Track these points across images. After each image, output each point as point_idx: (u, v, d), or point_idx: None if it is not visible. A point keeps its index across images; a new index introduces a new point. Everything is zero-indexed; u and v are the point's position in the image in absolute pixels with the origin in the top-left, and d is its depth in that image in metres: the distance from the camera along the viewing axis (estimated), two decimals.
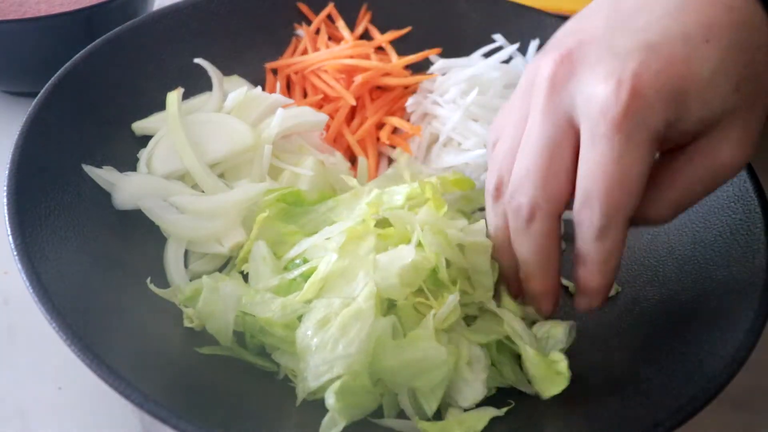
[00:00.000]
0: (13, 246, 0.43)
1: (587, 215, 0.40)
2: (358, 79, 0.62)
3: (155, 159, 0.54)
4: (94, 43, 0.57)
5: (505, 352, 0.46)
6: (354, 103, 0.61)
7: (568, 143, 0.40)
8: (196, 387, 0.43)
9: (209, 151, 0.54)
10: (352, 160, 0.60)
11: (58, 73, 0.54)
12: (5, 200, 0.45)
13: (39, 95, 0.52)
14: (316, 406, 0.44)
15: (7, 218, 0.44)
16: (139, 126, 0.57)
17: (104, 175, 0.52)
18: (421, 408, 0.43)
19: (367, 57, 0.64)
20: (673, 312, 0.48)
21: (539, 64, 0.41)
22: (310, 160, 0.55)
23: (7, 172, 0.47)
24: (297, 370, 0.43)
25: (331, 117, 0.62)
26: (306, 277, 0.45)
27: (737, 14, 0.38)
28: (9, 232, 0.44)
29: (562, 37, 0.42)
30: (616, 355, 0.47)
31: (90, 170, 0.52)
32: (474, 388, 0.43)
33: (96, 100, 0.55)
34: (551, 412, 0.44)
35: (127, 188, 0.52)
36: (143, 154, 0.55)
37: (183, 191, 0.53)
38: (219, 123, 0.56)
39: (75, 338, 0.39)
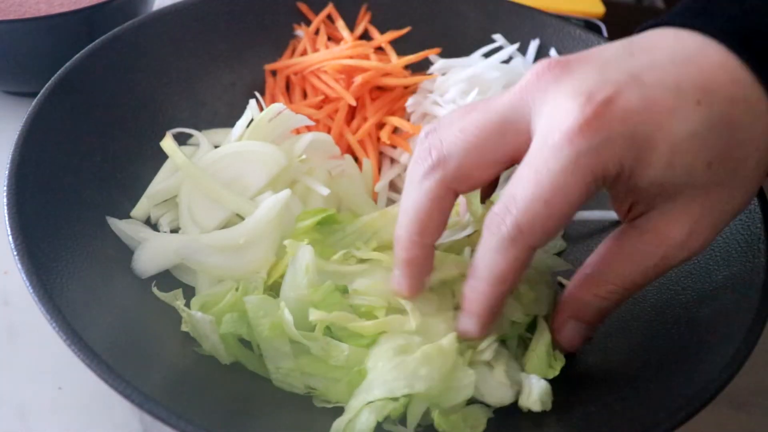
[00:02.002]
0: (13, 246, 0.43)
1: (499, 221, 0.36)
2: (358, 79, 0.62)
3: (199, 217, 0.51)
4: (94, 43, 0.57)
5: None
6: (354, 103, 0.61)
7: (514, 139, 0.37)
8: (196, 387, 0.43)
9: (250, 184, 0.52)
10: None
11: (58, 73, 0.54)
12: (5, 200, 0.45)
13: (39, 95, 0.52)
14: (315, 407, 0.44)
15: (7, 218, 0.44)
16: (151, 195, 0.53)
17: (127, 230, 0.50)
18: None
19: (366, 57, 0.64)
20: (673, 312, 0.48)
21: (536, 64, 0.39)
22: (321, 173, 0.54)
23: (7, 172, 0.47)
24: (326, 390, 0.44)
25: (331, 118, 0.62)
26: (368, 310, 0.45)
27: (738, 88, 0.36)
28: (9, 232, 0.44)
29: (574, 55, 0.40)
30: (615, 356, 0.47)
31: (112, 222, 0.50)
32: (504, 391, 0.44)
33: (96, 100, 0.55)
34: (551, 412, 0.44)
35: (149, 252, 0.49)
36: (182, 217, 0.52)
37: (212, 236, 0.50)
38: (246, 152, 0.53)
39: (75, 338, 0.39)
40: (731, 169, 0.36)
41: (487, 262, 0.38)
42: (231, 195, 0.51)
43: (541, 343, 0.45)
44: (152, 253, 0.49)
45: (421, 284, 0.42)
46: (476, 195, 0.47)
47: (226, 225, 0.52)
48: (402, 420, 0.43)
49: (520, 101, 0.37)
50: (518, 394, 0.44)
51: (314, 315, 0.44)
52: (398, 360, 0.42)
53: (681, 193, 0.37)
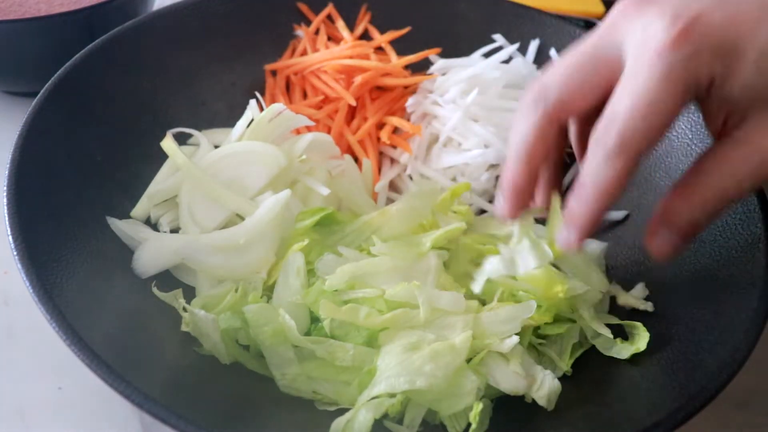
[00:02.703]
0: (13, 246, 0.43)
1: (604, 136, 0.39)
2: (358, 79, 0.62)
3: (199, 217, 0.51)
4: (94, 43, 0.57)
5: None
6: (354, 103, 0.61)
7: (606, 68, 0.40)
8: (196, 387, 0.43)
9: (250, 185, 0.52)
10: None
11: (58, 73, 0.54)
12: (5, 200, 0.45)
13: (39, 95, 0.52)
14: (315, 407, 0.44)
15: (7, 218, 0.44)
16: (151, 195, 0.53)
17: (128, 230, 0.50)
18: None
19: (366, 57, 0.64)
20: (674, 312, 0.48)
21: (621, 2, 0.41)
22: (321, 173, 0.54)
23: (7, 172, 0.47)
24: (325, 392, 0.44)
25: (331, 118, 0.62)
26: (370, 302, 0.45)
27: None
28: (9, 232, 0.44)
29: None
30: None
31: (112, 222, 0.50)
32: (518, 380, 0.44)
33: (96, 100, 0.55)
34: (551, 412, 0.44)
35: (149, 252, 0.49)
36: (183, 217, 0.52)
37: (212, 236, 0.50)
38: (246, 152, 0.53)
39: (75, 338, 0.39)
40: None
41: (595, 174, 0.39)
42: (231, 195, 0.51)
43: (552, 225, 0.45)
44: (152, 253, 0.49)
45: (520, 208, 0.44)
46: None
47: (226, 225, 0.52)
48: (401, 420, 0.43)
49: (608, 35, 0.40)
50: (530, 386, 0.44)
51: (324, 309, 0.44)
52: (405, 356, 0.42)
53: None
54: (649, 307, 0.49)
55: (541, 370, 0.44)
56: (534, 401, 0.44)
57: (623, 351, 0.45)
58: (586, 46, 0.41)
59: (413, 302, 0.44)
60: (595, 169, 0.39)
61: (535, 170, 0.43)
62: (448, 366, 0.41)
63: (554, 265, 0.49)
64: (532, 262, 0.44)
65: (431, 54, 0.66)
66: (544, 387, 0.43)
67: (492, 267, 0.45)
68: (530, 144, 0.42)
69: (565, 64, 0.41)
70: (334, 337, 0.44)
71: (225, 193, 0.51)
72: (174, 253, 0.49)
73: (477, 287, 0.45)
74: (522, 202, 0.44)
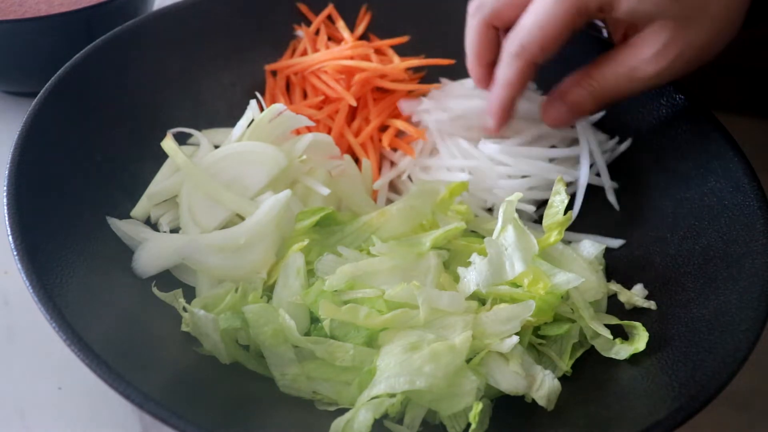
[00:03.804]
0: (13, 246, 0.43)
1: (510, 43, 0.51)
2: (356, 79, 0.62)
3: (200, 217, 0.51)
4: (94, 43, 0.57)
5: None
6: (354, 104, 0.61)
7: None
8: (196, 387, 0.43)
9: (250, 185, 0.52)
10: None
11: (58, 73, 0.54)
12: (5, 200, 0.45)
13: (39, 95, 0.52)
14: (315, 407, 0.44)
15: (7, 218, 0.44)
16: (151, 195, 0.53)
17: (128, 230, 0.50)
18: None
19: (367, 58, 0.64)
20: (673, 312, 0.48)
21: None
22: (321, 173, 0.54)
23: (7, 172, 0.47)
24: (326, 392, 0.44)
25: (331, 118, 0.62)
26: (370, 302, 0.45)
27: None
28: (9, 232, 0.44)
29: None
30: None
31: (112, 222, 0.50)
32: (518, 380, 0.44)
33: (96, 100, 0.55)
34: (551, 412, 0.44)
35: (149, 252, 0.49)
36: (183, 217, 0.52)
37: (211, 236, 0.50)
38: (246, 152, 0.53)
39: (75, 338, 0.39)
40: (698, 6, 0.47)
41: (502, 72, 0.53)
42: (232, 195, 0.51)
43: None
44: (152, 253, 0.49)
45: (486, 83, 0.57)
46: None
47: (226, 225, 0.52)
48: (401, 420, 0.43)
49: None
50: (530, 386, 0.44)
51: (324, 309, 0.44)
52: (405, 357, 0.42)
53: (655, 20, 0.48)
54: (652, 305, 0.49)
55: (540, 370, 0.44)
56: (534, 401, 0.44)
57: (622, 351, 0.46)
58: None
59: (413, 302, 0.44)
60: (502, 68, 0.53)
61: (485, 62, 0.56)
62: (448, 366, 0.41)
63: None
64: (519, 265, 0.45)
65: (438, 63, 0.65)
66: (544, 387, 0.43)
67: (477, 276, 0.46)
68: (477, 44, 0.55)
69: None
70: (334, 338, 0.44)
71: (225, 193, 0.51)
72: (174, 253, 0.49)
73: (467, 292, 0.46)
74: (485, 83, 0.57)
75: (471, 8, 0.55)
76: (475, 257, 0.47)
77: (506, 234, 0.46)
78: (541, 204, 0.59)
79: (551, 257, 0.49)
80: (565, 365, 0.46)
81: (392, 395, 0.41)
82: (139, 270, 0.49)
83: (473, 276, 0.46)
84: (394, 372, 0.41)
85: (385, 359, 0.42)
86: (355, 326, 0.44)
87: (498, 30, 0.55)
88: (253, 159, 0.53)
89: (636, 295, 0.50)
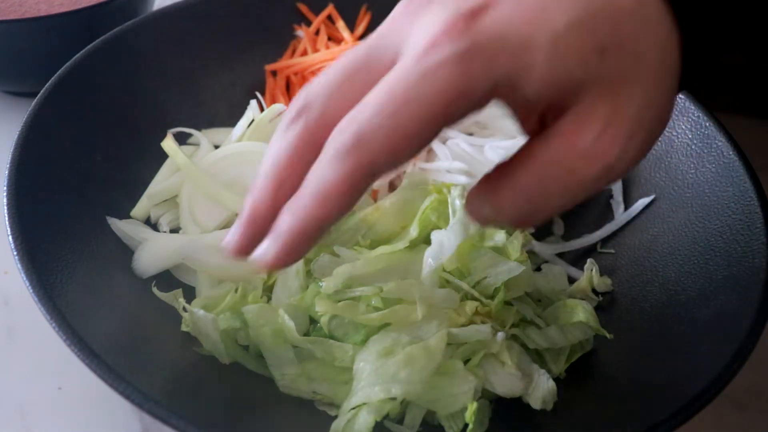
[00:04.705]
0: (13, 246, 0.43)
1: (340, 132, 0.31)
2: None
3: (200, 217, 0.51)
4: (94, 43, 0.57)
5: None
6: None
7: (379, 70, 0.32)
8: (196, 387, 0.43)
9: (250, 185, 0.52)
10: None
11: (58, 73, 0.54)
12: (5, 200, 0.45)
13: (39, 95, 0.52)
14: (315, 407, 0.44)
15: (7, 218, 0.44)
16: (151, 195, 0.53)
17: (128, 230, 0.50)
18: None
19: None
20: (673, 312, 0.48)
21: None
22: None
23: (7, 172, 0.47)
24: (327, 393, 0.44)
25: None
26: (367, 300, 0.45)
27: None
28: (9, 232, 0.44)
29: None
30: (615, 355, 0.47)
31: (112, 222, 0.50)
32: (514, 382, 0.43)
33: (96, 100, 0.55)
34: (551, 412, 0.44)
35: (149, 252, 0.49)
36: (183, 217, 0.51)
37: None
38: (246, 152, 0.53)
39: (75, 338, 0.39)
40: (632, 59, 0.31)
41: (317, 173, 0.31)
42: (232, 195, 0.51)
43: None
44: (152, 253, 0.49)
45: (254, 243, 0.34)
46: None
47: (226, 225, 0.52)
48: (400, 420, 0.43)
49: (387, 31, 0.33)
50: (527, 387, 0.44)
51: (321, 306, 0.44)
52: (380, 363, 0.41)
53: (585, 91, 0.31)
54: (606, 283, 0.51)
55: (536, 370, 0.44)
56: None
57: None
58: (360, 48, 0.34)
59: (410, 298, 0.44)
60: (317, 170, 0.31)
61: (284, 196, 0.33)
62: (423, 370, 0.41)
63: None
64: (455, 239, 0.43)
65: None
66: (539, 389, 0.43)
67: (429, 259, 0.45)
68: (284, 163, 0.33)
69: (335, 70, 0.33)
70: (333, 338, 0.44)
71: (225, 193, 0.51)
72: (174, 253, 0.49)
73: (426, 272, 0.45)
74: (258, 235, 0.33)
75: (289, 113, 0.33)
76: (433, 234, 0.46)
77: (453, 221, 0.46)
78: None
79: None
80: (559, 369, 0.46)
81: (392, 398, 0.41)
82: (139, 270, 0.49)
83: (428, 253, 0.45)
84: (370, 381, 0.41)
85: (360, 365, 0.42)
86: (354, 326, 0.44)
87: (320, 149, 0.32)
88: (254, 159, 0.53)
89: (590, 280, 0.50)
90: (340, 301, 0.45)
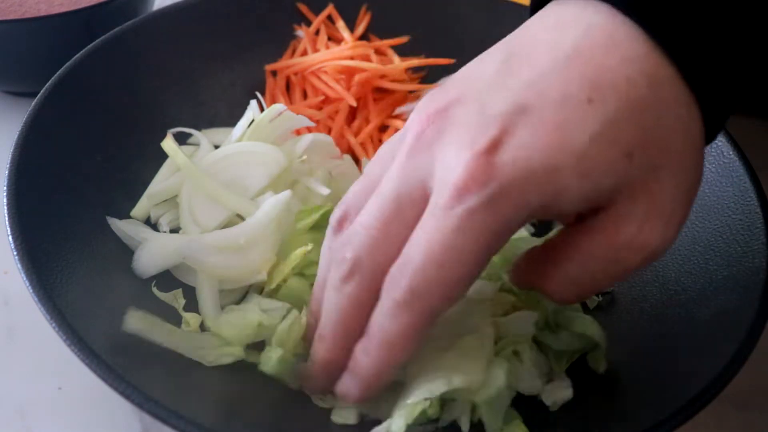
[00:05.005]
0: (13, 246, 0.43)
1: (393, 283, 0.34)
2: (356, 79, 0.62)
3: (200, 217, 0.51)
4: (94, 43, 0.57)
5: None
6: (354, 104, 0.61)
7: (414, 211, 0.34)
8: (196, 387, 0.43)
9: (250, 185, 0.52)
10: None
11: (58, 73, 0.54)
12: (5, 200, 0.45)
13: (39, 95, 0.52)
14: (314, 406, 0.44)
15: (7, 218, 0.44)
16: (151, 195, 0.53)
17: (128, 230, 0.49)
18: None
19: (367, 58, 0.64)
20: (673, 312, 0.48)
21: (416, 113, 0.35)
22: (321, 173, 0.54)
23: (7, 172, 0.47)
24: None
25: (332, 118, 0.62)
26: None
27: (636, 66, 0.32)
28: (9, 232, 0.44)
29: (453, 82, 0.36)
30: (615, 356, 0.47)
31: (112, 222, 0.50)
32: (534, 380, 0.43)
33: (96, 100, 0.55)
34: (551, 412, 0.44)
35: (149, 252, 0.49)
36: (183, 217, 0.51)
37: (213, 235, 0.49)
38: (246, 153, 0.53)
39: (75, 338, 0.39)
40: (660, 151, 0.33)
41: (381, 325, 0.35)
42: (232, 195, 0.51)
43: None
44: (152, 253, 0.49)
45: (328, 387, 0.40)
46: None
47: (226, 225, 0.52)
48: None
49: (410, 171, 0.34)
50: (545, 386, 0.44)
51: None
52: (436, 356, 0.41)
53: (620, 194, 0.33)
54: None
55: (558, 374, 0.44)
56: (533, 400, 0.44)
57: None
58: (388, 189, 0.35)
59: None
60: (380, 319, 0.35)
61: (352, 343, 0.37)
62: (480, 360, 0.40)
63: None
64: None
65: (439, 63, 0.65)
66: (557, 390, 0.43)
67: None
68: (349, 320, 0.37)
69: (370, 219, 0.35)
70: None
71: (225, 193, 0.51)
72: (174, 253, 0.49)
73: None
74: (333, 377, 0.39)
75: (337, 266, 0.36)
76: None
77: None
78: None
79: None
80: (560, 368, 0.46)
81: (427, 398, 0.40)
82: (139, 270, 0.49)
83: None
84: (429, 375, 0.40)
85: (415, 362, 0.41)
86: None
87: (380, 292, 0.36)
88: (254, 159, 0.53)
89: None
90: None
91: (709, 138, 0.35)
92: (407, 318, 0.34)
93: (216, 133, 0.60)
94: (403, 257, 0.34)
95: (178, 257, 0.49)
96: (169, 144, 0.52)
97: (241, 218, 0.51)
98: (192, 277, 0.50)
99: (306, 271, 0.48)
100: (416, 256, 0.33)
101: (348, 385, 0.38)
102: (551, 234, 0.48)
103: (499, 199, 0.31)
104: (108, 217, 0.50)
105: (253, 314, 0.46)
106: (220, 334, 0.46)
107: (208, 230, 0.51)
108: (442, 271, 0.32)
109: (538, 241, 0.48)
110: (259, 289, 0.50)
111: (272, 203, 0.50)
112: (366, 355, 0.36)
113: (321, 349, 0.38)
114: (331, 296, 0.37)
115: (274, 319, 0.45)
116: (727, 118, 0.36)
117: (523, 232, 0.48)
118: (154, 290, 0.47)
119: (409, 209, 0.34)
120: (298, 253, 0.48)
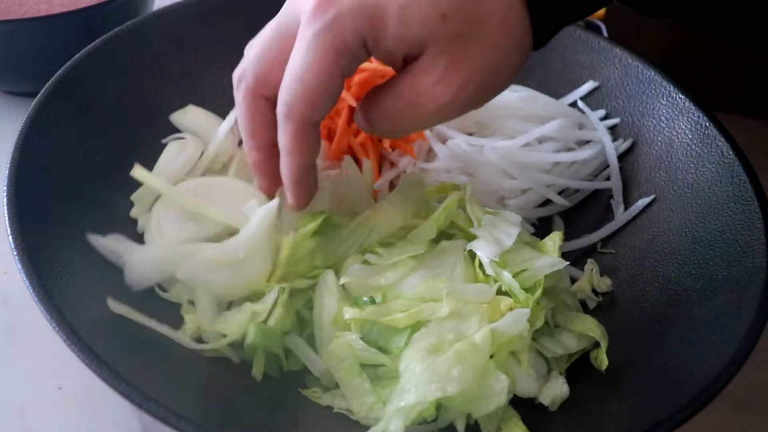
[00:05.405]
0: (13, 246, 0.43)
1: (278, 104, 0.43)
2: (356, 80, 0.62)
3: (166, 229, 0.51)
4: (94, 43, 0.57)
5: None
6: (354, 104, 0.61)
7: (291, 39, 0.42)
8: (196, 387, 0.43)
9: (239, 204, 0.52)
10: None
11: (58, 73, 0.54)
12: (5, 200, 0.45)
13: (39, 95, 0.52)
14: (315, 405, 0.44)
15: (7, 218, 0.44)
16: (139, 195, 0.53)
17: (112, 246, 0.48)
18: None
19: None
20: (673, 312, 0.48)
21: None
22: (321, 174, 0.54)
23: (7, 172, 0.47)
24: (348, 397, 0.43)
25: (332, 118, 0.62)
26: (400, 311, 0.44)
27: None
28: (9, 232, 0.44)
29: None
30: (615, 355, 0.47)
31: (95, 240, 0.48)
32: (531, 383, 0.44)
33: (96, 100, 0.55)
34: (550, 412, 0.44)
35: (139, 264, 0.48)
36: (149, 228, 0.51)
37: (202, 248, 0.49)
38: (218, 185, 0.54)
39: (75, 338, 0.39)
40: (472, 24, 0.39)
41: (279, 140, 0.44)
42: (217, 207, 0.50)
43: None
44: (140, 267, 0.48)
45: (274, 183, 0.49)
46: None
47: (194, 239, 0.51)
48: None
49: (291, 7, 0.43)
50: (542, 387, 0.44)
51: (348, 314, 0.44)
52: (430, 361, 0.41)
53: (428, 46, 0.40)
54: (605, 284, 0.52)
55: (554, 375, 0.44)
56: (533, 401, 0.44)
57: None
58: (274, 20, 0.44)
59: (438, 297, 0.44)
60: (279, 135, 0.44)
61: (265, 143, 0.47)
62: (475, 367, 0.41)
63: None
64: (513, 231, 0.46)
65: None
66: (553, 389, 0.44)
67: (484, 252, 0.46)
68: (248, 122, 0.46)
69: (258, 41, 0.45)
70: (381, 350, 0.44)
71: (210, 206, 0.50)
72: (163, 266, 0.48)
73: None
74: (272, 176, 0.48)
75: (234, 80, 0.47)
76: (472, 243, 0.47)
77: (484, 218, 0.48)
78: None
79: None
80: (560, 368, 0.46)
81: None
82: (132, 284, 0.48)
83: (483, 250, 0.46)
84: (423, 379, 0.40)
85: (409, 364, 0.41)
86: (395, 330, 0.44)
87: (271, 101, 0.45)
88: (226, 191, 0.53)
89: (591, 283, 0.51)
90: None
91: (537, 42, 0.42)
92: (291, 126, 0.43)
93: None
94: (283, 80, 0.42)
95: (167, 271, 0.48)
96: (139, 172, 0.51)
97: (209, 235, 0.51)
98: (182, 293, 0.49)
99: (309, 273, 0.48)
100: (286, 75, 0.42)
101: (288, 198, 0.47)
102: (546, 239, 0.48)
103: (337, 22, 0.39)
104: (90, 235, 0.48)
105: (246, 310, 0.46)
106: (218, 332, 0.46)
107: (171, 243, 0.50)
108: (302, 84, 0.41)
109: (538, 245, 0.48)
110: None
111: (263, 213, 0.49)
112: (282, 164, 0.45)
113: (247, 154, 0.48)
114: (236, 107, 0.47)
115: (267, 305, 0.46)
116: (560, 25, 0.42)
117: (524, 233, 0.48)
118: (156, 290, 0.47)
119: (286, 36, 0.43)
120: (301, 265, 0.48)
